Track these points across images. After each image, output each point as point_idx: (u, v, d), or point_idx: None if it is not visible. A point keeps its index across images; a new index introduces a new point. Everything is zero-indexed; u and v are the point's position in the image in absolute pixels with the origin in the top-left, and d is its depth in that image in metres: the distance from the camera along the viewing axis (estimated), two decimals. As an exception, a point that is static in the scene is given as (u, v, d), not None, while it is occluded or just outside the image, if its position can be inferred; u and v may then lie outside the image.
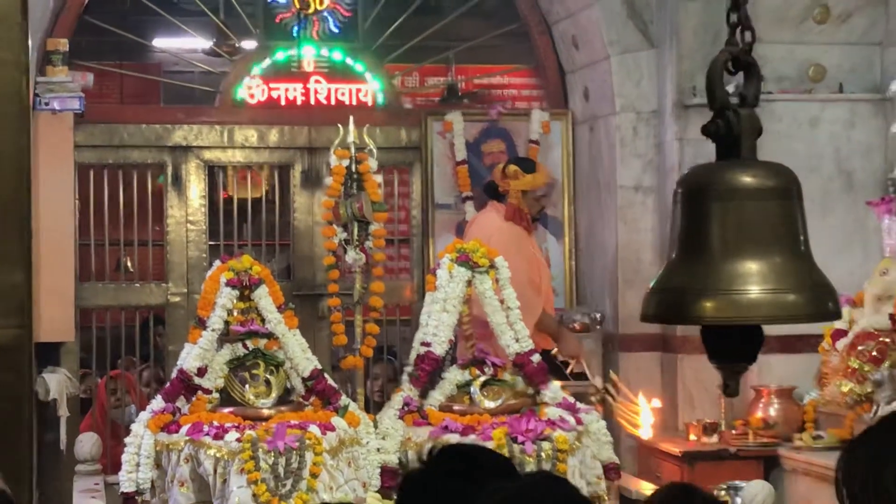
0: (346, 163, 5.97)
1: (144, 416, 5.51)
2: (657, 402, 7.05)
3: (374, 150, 5.99)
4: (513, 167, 7.21)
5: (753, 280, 2.01)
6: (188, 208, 7.99)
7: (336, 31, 8.47)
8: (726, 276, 2.02)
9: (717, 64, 2.16)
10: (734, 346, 2.05)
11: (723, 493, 5.30)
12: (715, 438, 6.90)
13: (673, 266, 2.11)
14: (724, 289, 2.01)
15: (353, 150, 5.95)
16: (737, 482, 5.40)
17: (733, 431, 6.86)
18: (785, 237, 2.07)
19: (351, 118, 5.93)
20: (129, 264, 8.69)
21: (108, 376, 7.91)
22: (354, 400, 5.80)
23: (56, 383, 6.43)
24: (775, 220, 2.06)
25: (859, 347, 6.26)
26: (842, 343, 6.37)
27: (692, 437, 6.95)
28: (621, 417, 6.75)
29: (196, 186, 8.02)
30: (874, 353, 6.20)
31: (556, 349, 7.00)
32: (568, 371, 7.00)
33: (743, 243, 2.05)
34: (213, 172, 8.16)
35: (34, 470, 4.30)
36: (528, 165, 7.32)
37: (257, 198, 8.74)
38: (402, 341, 8.44)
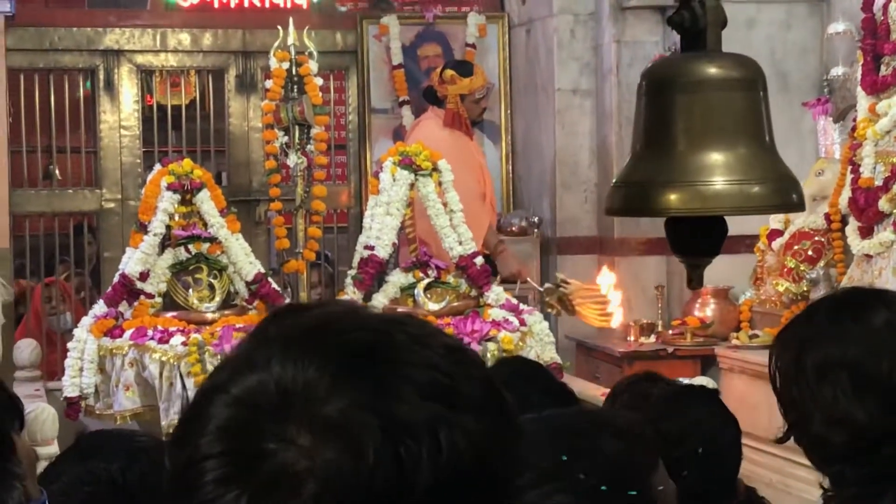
0: (286, 66, 5.91)
1: (87, 321, 5.49)
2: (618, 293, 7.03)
3: (315, 53, 5.93)
4: (449, 72, 7.18)
5: (718, 171, 2.03)
6: (121, 114, 7.88)
7: (269, -69, 8.32)
8: (691, 168, 2.04)
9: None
10: (698, 239, 2.07)
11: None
12: (652, 339, 7.01)
13: (637, 159, 2.12)
14: (689, 180, 2.03)
15: (292, 52, 5.89)
16: (680, 379, 5.48)
17: (670, 332, 6.97)
18: (750, 129, 2.08)
19: (290, 20, 5.87)
20: (56, 172, 8.56)
21: (42, 284, 7.83)
22: (297, 303, 5.82)
23: (-8, 291, 6.37)
24: (740, 112, 2.08)
25: (795, 247, 6.36)
26: (777, 243, 6.47)
27: (630, 337, 7.05)
28: (586, 308, 6.77)
29: (129, 91, 7.90)
30: (810, 253, 6.30)
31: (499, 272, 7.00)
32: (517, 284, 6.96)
33: (708, 135, 2.06)
34: (145, 77, 8.04)
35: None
36: (465, 69, 7.29)
37: (190, 103, 8.63)
38: (338, 247, 8.44)
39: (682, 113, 2.06)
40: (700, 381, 5.47)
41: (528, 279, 6.95)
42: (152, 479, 2.33)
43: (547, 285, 6.66)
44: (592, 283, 6.78)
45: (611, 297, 6.61)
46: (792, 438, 1.92)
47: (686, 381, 5.44)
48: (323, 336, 0.96)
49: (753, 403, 5.54)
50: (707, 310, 6.99)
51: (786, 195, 2.08)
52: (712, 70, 2.07)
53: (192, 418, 0.96)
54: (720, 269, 7.24)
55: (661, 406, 2.79)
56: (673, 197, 2.02)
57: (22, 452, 1.70)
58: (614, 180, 2.17)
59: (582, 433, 1.60)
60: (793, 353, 1.88)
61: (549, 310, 6.07)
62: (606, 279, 6.48)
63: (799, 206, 2.09)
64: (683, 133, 2.06)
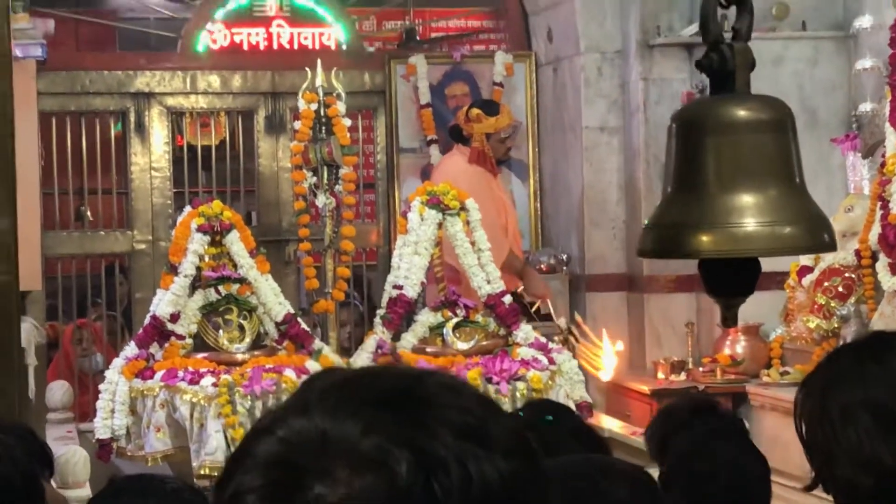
0: (314, 107, 5.96)
1: (118, 362, 5.52)
2: (620, 345, 7.11)
3: (343, 94, 5.97)
4: (475, 110, 7.22)
5: (750, 213, 2.04)
6: (151, 155, 7.94)
7: (296, -26, 8.41)
8: (723, 210, 2.05)
9: (710, -2, 2.17)
10: (731, 278, 2.07)
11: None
12: (683, 376, 6.98)
13: (669, 201, 2.13)
14: (720, 222, 2.03)
15: (321, 93, 5.93)
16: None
17: (701, 369, 6.94)
18: (780, 170, 2.09)
19: (319, 62, 5.91)
20: (87, 213, 8.63)
21: (73, 325, 7.87)
22: (328, 344, 5.83)
23: (24, 332, 6.40)
24: (770, 154, 2.08)
25: (825, 283, 6.33)
26: (808, 279, 6.44)
27: (660, 375, 7.03)
28: (583, 359, 6.81)
29: (159, 133, 7.97)
30: (840, 289, 6.28)
31: (521, 288, 7.04)
32: (533, 311, 7.05)
33: (738, 177, 2.07)
34: (175, 119, 8.11)
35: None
36: (491, 108, 7.33)
37: (220, 144, 8.69)
38: (368, 285, 8.46)
39: (713, 155, 2.07)
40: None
41: (550, 305, 7.01)
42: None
43: (562, 321, 6.75)
44: (597, 340, 6.88)
45: (605, 348, 6.75)
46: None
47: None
48: (360, 385, 1.01)
49: (785, 441, 5.50)
50: (737, 347, 6.96)
51: (817, 236, 2.08)
52: (742, 112, 2.08)
53: (237, 458, 1.01)
54: (750, 306, 7.18)
55: (689, 443, 2.79)
56: (705, 239, 2.03)
57: (50, 499, 1.71)
58: (646, 222, 2.18)
59: (587, 478, 1.61)
60: (816, 397, 1.87)
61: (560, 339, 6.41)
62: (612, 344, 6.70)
63: (830, 247, 2.09)
64: (714, 175, 2.07)
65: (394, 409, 0.98)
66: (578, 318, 7.19)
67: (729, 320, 2.08)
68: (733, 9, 2.14)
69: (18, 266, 2.96)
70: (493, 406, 1.04)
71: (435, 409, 0.98)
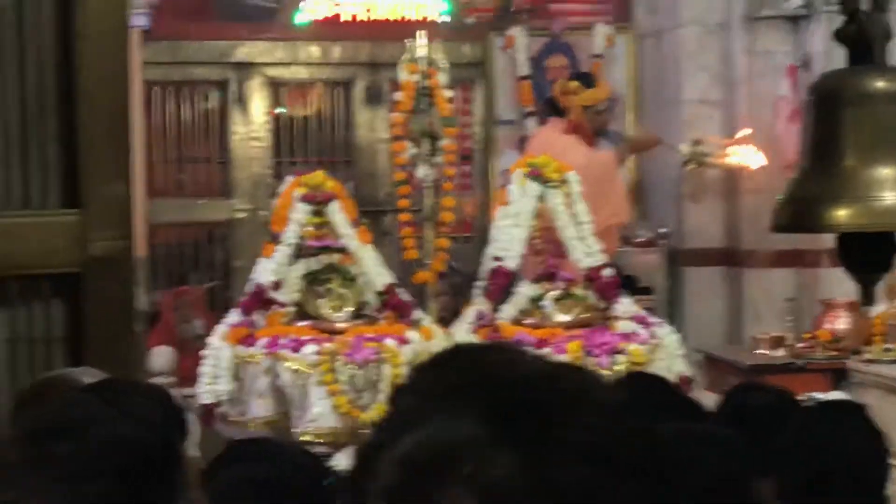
0: (415, 78, 5.96)
1: (221, 329, 5.58)
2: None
3: (445, 66, 5.97)
4: (573, 83, 7.17)
5: (889, 186, 2.00)
6: (252, 125, 8.01)
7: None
8: (861, 184, 2.01)
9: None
10: (869, 255, 2.04)
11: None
12: (782, 352, 6.90)
13: (805, 174, 2.10)
14: (859, 196, 2.00)
15: (422, 65, 5.93)
16: (814, 394, 5.40)
17: (801, 345, 6.86)
18: (921, 143, 2.05)
19: (422, 32, 5.91)
20: (186, 182, 8.73)
21: (174, 292, 7.98)
22: (427, 314, 5.84)
23: (129, 299, 6.52)
24: (911, 126, 2.05)
25: (932, 260, 6.22)
26: (914, 256, 6.33)
27: (759, 350, 6.96)
28: (722, 162, 6.90)
29: (259, 103, 8.03)
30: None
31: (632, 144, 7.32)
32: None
33: (878, 149, 2.03)
34: (275, 89, 8.16)
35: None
36: (588, 80, 7.28)
37: (318, 114, 8.73)
38: (463, 257, 8.47)
39: (852, 127, 2.03)
40: (834, 395, 5.39)
41: (664, 142, 7.14)
42: (299, 483, 2.37)
43: (683, 146, 6.74)
44: (725, 140, 6.84)
45: (739, 146, 6.74)
46: None
47: (821, 396, 5.36)
48: (480, 391, 0.96)
49: (888, 419, 5.42)
50: (839, 323, 6.86)
51: (958, 210, 2.04)
52: (882, 83, 2.04)
53: (360, 474, 0.97)
54: (853, 282, 7.13)
55: (804, 422, 2.76)
56: (843, 213, 1.99)
57: (188, 463, 1.74)
58: (779, 196, 2.15)
59: (682, 447, 1.59)
60: None
61: (690, 166, 6.64)
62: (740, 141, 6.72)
63: (972, 221, 2.05)
64: (853, 148, 2.03)
65: (518, 426, 0.93)
66: (700, 137, 7.20)
67: (867, 297, 2.05)
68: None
69: (133, 233, 3.00)
70: (620, 414, 0.98)
71: (560, 428, 0.94)
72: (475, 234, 8.23)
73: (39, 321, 2.93)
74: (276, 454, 2.56)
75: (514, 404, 0.95)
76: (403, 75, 5.99)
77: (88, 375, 2.43)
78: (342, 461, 4.71)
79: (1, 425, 2.44)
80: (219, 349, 5.49)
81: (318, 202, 5.66)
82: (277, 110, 8.22)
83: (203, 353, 5.62)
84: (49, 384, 2.42)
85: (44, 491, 1.46)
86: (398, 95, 6.13)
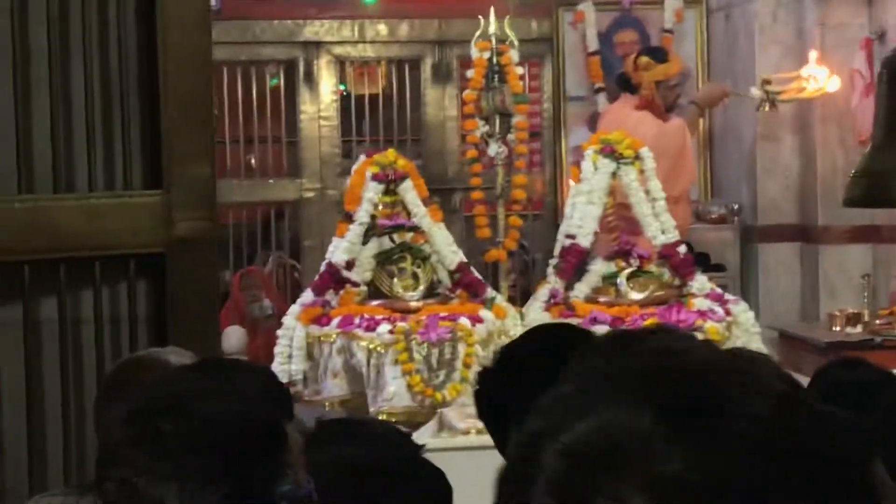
0: (487, 55, 5.93)
1: (295, 308, 5.60)
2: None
3: (516, 42, 5.93)
4: (644, 58, 7.09)
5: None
6: (320, 104, 8.01)
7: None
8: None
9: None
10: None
11: None
12: (859, 328, 6.80)
13: (878, 148, 2.04)
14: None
15: (494, 41, 5.90)
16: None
17: (878, 322, 6.76)
18: None
19: (492, 9, 5.87)
20: (253, 162, 8.76)
21: (242, 272, 8.01)
22: (499, 292, 5.82)
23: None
24: None
25: None
26: None
27: (835, 327, 6.86)
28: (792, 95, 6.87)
29: (327, 82, 8.03)
30: None
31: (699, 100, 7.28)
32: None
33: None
34: (343, 68, 8.16)
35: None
36: (659, 55, 7.19)
37: (385, 93, 8.72)
38: (533, 235, 8.43)
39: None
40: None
41: (732, 89, 7.18)
42: (390, 463, 2.35)
43: (754, 89, 6.70)
44: (793, 73, 6.79)
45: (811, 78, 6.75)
46: None
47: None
48: (654, 381, 0.92)
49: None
50: (916, 300, 6.76)
51: None
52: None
53: (522, 463, 0.94)
54: (931, 259, 7.04)
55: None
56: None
57: (292, 441, 1.73)
58: (853, 171, 2.09)
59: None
60: None
61: (764, 108, 6.67)
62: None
63: None
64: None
65: (691, 420, 0.89)
66: (768, 76, 7.14)
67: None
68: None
69: (216, 213, 3.00)
70: (796, 405, 0.93)
71: (733, 420, 0.89)
72: (544, 211, 8.18)
73: (124, 301, 2.94)
74: (368, 434, 2.55)
75: (689, 397, 0.91)
76: (475, 52, 5.96)
77: (175, 355, 2.43)
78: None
79: (95, 405, 2.45)
80: (292, 329, 5.50)
81: (389, 181, 5.65)
82: (345, 89, 8.22)
83: (276, 332, 5.64)
84: (137, 363, 2.43)
85: (151, 469, 1.46)
86: (469, 73, 6.11)
